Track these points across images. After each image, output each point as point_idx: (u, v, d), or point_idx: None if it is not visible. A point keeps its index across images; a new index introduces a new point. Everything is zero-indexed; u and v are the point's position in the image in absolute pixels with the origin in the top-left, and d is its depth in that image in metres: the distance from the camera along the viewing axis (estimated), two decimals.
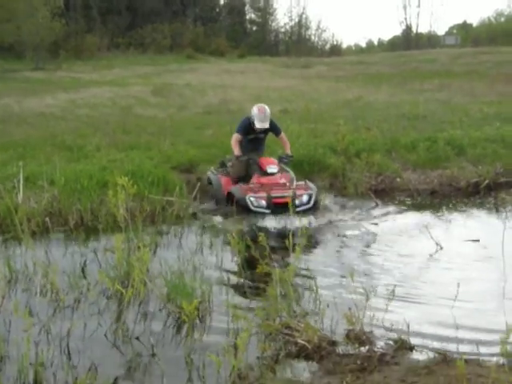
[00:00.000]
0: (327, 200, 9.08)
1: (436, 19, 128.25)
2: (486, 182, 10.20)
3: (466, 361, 3.61)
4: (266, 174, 8.33)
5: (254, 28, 62.99)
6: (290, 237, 5.21)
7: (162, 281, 5.36)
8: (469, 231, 7.86)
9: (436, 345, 4.31)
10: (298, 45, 58.56)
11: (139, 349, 4.44)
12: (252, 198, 7.88)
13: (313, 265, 6.30)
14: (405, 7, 67.12)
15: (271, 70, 36.50)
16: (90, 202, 8.17)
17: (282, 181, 8.28)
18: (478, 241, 7.32)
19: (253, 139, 8.81)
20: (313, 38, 64.17)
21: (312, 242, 7.11)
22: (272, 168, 8.38)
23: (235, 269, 6.17)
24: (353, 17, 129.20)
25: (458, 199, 9.89)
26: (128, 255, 5.56)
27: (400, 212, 9.08)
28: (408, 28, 66.20)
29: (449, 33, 67.41)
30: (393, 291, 4.69)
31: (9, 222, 7.19)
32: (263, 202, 7.87)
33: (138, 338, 4.61)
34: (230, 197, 8.31)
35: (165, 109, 18.63)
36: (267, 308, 4.74)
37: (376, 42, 79.19)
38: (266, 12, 61.76)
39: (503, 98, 19.73)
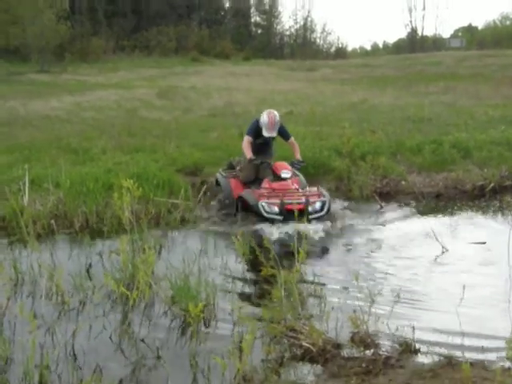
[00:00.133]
0: (336, 204, 9.02)
1: (441, 22, 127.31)
2: (492, 185, 10.18)
3: (472, 364, 3.61)
4: (278, 178, 8.24)
5: (259, 31, 63.03)
6: (296, 241, 5.21)
7: (167, 283, 5.37)
8: (474, 234, 7.84)
9: (441, 348, 4.30)
10: (303, 48, 58.56)
11: (144, 351, 4.45)
12: (264, 204, 7.75)
13: (318, 268, 6.31)
14: (410, 10, 66.81)
15: (276, 72, 36.51)
16: (96, 204, 8.18)
17: (294, 186, 8.20)
18: (485, 243, 7.31)
19: (262, 143, 8.71)
20: (318, 40, 64.18)
21: (317, 245, 7.10)
22: (286, 173, 8.27)
23: (240, 271, 6.18)
24: (358, 20, 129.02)
25: (463, 202, 9.86)
26: (133, 258, 5.57)
27: (405, 215, 9.06)
28: (413, 31, 66.15)
29: (454, 36, 67.32)
30: (398, 294, 4.69)
31: (14, 224, 7.20)
32: (276, 209, 7.72)
33: (143, 340, 4.61)
34: (240, 200, 8.24)
35: (170, 111, 18.66)
36: (272, 310, 4.74)
37: (381, 45, 79.20)
38: (271, 15, 61.79)
39: (508, 100, 19.68)
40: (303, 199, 7.80)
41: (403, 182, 10.47)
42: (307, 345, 4.30)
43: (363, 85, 27.45)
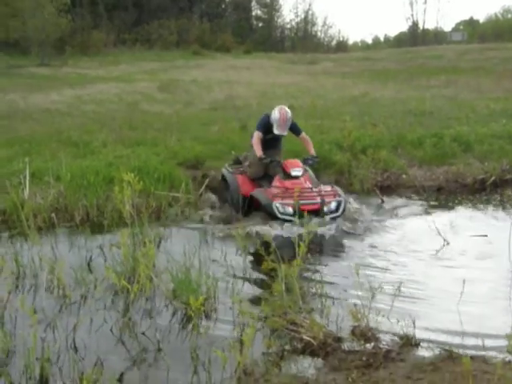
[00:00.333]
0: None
1: (442, 15, 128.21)
2: (493, 178, 10.17)
3: (472, 357, 3.62)
4: (289, 176, 7.95)
5: (260, 24, 62.92)
6: (296, 236, 5.21)
7: (168, 276, 5.37)
8: (475, 227, 7.84)
9: (442, 341, 4.30)
10: (304, 41, 58.48)
11: (145, 344, 4.46)
12: (279, 205, 7.43)
13: (318, 262, 6.32)
14: (411, 3, 66.91)
15: (277, 66, 36.44)
16: (96, 197, 8.18)
17: (307, 185, 7.90)
18: (486, 236, 7.32)
19: (271, 138, 8.45)
20: (319, 34, 64.14)
21: (317, 239, 7.08)
22: (296, 171, 7.98)
23: (241, 265, 6.18)
24: (359, 13, 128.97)
25: (463, 196, 9.87)
26: (134, 251, 5.57)
27: (406, 208, 9.05)
28: (414, 24, 66.07)
29: (455, 29, 67.22)
30: (399, 288, 4.69)
31: (15, 217, 7.20)
32: (290, 210, 7.35)
33: (144, 334, 4.62)
34: (252, 200, 7.97)
35: (171, 105, 18.63)
36: (273, 304, 4.75)
37: (382, 39, 79.19)
38: (271, 8, 61.67)
39: (510, 94, 19.63)
40: (318, 199, 7.55)
41: (404, 176, 10.46)
42: (308, 338, 4.30)
43: (364, 78, 27.40)
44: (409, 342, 4.29)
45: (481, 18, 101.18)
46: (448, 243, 6.98)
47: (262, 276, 5.87)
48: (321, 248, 6.83)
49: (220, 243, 7.02)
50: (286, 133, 8.36)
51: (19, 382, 3.88)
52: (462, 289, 4.95)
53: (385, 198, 9.41)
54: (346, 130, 10.95)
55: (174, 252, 6.23)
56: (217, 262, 6.27)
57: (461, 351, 3.97)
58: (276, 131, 8.26)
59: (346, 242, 7.20)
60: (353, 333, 4.47)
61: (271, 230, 7.20)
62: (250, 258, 6.49)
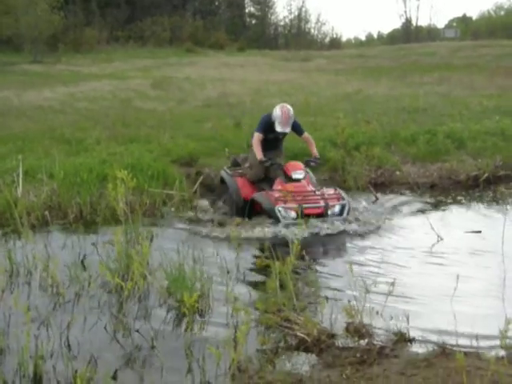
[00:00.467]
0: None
1: (436, 12, 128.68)
2: (486, 175, 10.22)
3: (466, 353, 3.63)
4: (291, 179, 7.80)
5: (254, 21, 62.88)
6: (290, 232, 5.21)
7: (162, 274, 5.37)
8: (469, 224, 7.88)
9: (435, 337, 4.31)
10: (298, 38, 58.46)
11: (139, 341, 4.45)
12: (281, 209, 7.29)
13: (312, 259, 6.32)
14: (404, 0, 66.91)
15: (270, 63, 36.43)
16: (90, 195, 8.16)
17: (310, 188, 7.81)
18: (480, 232, 7.35)
19: (272, 139, 8.26)
20: (312, 31, 64.16)
21: (311, 236, 7.09)
22: (298, 174, 7.83)
23: (235, 262, 6.18)
24: (352, 10, 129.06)
25: (457, 192, 9.90)
26: (127, 248, 5.56)
27: (400, 205, 9.07)
28: (408, 21, 66.17)
29: (448, 26, 67.33)
30: (393, 284, 4.69)
31: (8, 215, 7.17)
32: (293, 214, 7.23)
33: (138, 331, 4.61)
34: (253, 203, 7.79)
35: (164, 102, 18.60)
36: (267, 301, 4.75)
37: (375, 35, 79.27)
38: (265, 5, 61.65)
39: (503, 91, 19.69)
40: (322, 203, 7.45)
41: (398, 173, 10.50)
42: (302, 335, 4.31)
43: (358, 75, 27.41)
44: (403, 339, 4.30)
45: (474, 14, 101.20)
46: (442, 239, 7.00)
47: (256, 273, 5.87)
48: (315, 245, 6.82)
49: (214, 241, 7.02)
50: (288, 130, 8.14)
51: (13, 380, 3.87)
52: (456, 285, 4.97)
53: (378, 195, 9.43)
54: (339, 126, 10.94)
55: (167, 250, 6.24)
56: (211, 260, 6.26)
57: (454, 347, 3.97)
58: (278, 128, 8.02)
59: (340, 238, 7.20)
60: (347, 329, 4.48)
61: (272, 233, 7.14)
62: (244, 255, 6.49)
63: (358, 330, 4.42)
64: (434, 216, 8.27)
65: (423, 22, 79.04)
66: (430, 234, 7.11)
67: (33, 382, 3.85)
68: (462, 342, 4.08)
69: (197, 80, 24.98)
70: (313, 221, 7.20)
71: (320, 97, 19.39)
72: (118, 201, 5.72)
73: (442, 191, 10.00)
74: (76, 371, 3.77)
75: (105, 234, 6.99)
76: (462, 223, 8.08)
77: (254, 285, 5.60)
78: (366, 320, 4.54)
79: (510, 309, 4.77)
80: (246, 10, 63.14)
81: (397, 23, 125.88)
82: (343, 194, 7.82)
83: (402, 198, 9.54)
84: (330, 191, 7.82)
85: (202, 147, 11.04)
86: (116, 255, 5.57)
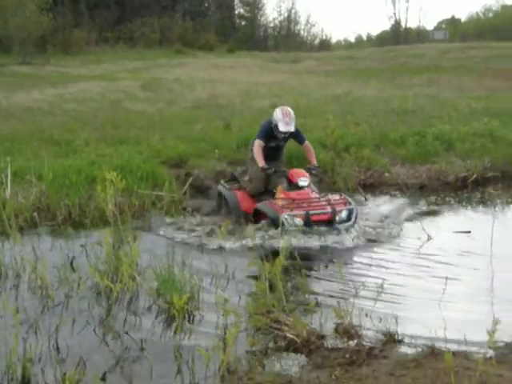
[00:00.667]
0: None
1: (425, 14, 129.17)
2: (474, 176, 10.28)
3: (454, 354, 3.64)
4: (295, 187, 7.57)
5: (243, 23, 62.82)
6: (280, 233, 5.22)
7: (152, 275, 5.36)
8: (458, 225, 7.93)
9: (424, 338, 4.33)
10: (287, 40, 58.46)
11: (128, 344, 4.44)
12: (287, 217, 7.05)
13: (302, 259, 6.32)
14: (394, 2, 66.87)
15: (260, 64, 36.42)
16: (79, 197, 8.14)
17: (314, 195, 7.63)
18: (470, 232, 7.40)
19: (273, 148, 7.99)
20: (302, 32, 64.12)
21: (301, 236, 7.08)
22: (303, 181, 7.59)
23: (224, 263, 6.17)
24: (342, 12, 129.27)
25: (446, 193, 9.95)
26: (117, 250, 5.55)
27: (390, 206, 9.11)
28: (397, 23, 66.32)
29: (437, 28, 67.52)
30: (382, 285, 4.71)
31: None
32: (300, 221, 7.07)
33: (127, 333, 4.60)
34: (256, 214, 7.60)
35: (154, 103, 18.56)
36: (256, 303, 4.75)
37: (365, 37, 79.37)
38: (254, 7, 61.58)
39: (491, 93, 19.79)
40: (328, 209, 7.28)
41: (387, 174, 10.53)
42: (291, 336, 4.31)
43: (347, 77, 27.46)
44: (392, 339, 4.31)
45: (462, 16, 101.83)
46: (432, 239, 7.04)
47: (245, 275, 5.87)
48: (304, 246, 6.81)
49: (203, 242, 7.03)
50: (293, 128, 7.80)
51: (1, 382, 3.85)
52: (445, 287, 5.00)
53: (368, 196, 9.45)
54: (328, 128, 10.96)
55: (157, 251, 6.23)
56: (200, 261, 6.26)
57: (443, 348, 3.99)
58: (283, 129, 7.70)
59: (329, 239, 7.17)
60: (336, 330, 4.49)
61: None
62: (234, 256, 6.49)
63: (347, 331, 4.43)
64: (423, 217, 8.31)
65: (412, 24, 79.54)
66: (419, 235, 7.15)
67: None
68: (451, 342, 4.09)
69: (186, 81, 24.94)
70: (321, 229, 7.07)
71: (309, 98, 19.40)
72: (107, 202, 5.70)
73: (431, 192, 10.04)
74: (65, 374, 3.76)
75: (94, 235, 6.95)
76: (451, 224, 8.13)
77: (244, 286, 5.59)
78: (355, 321, 4.54)
79: (498, 309, 4.80)
80: (236, 12, 63.09)
81: (386, 25, 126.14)
82: (349, 199, 7.65)
83: (392, 199, 9.58)
84: (336, 197, 7.67)
85: (191, 148, 11.02)
86: (105, 257, 5.55)
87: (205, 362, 3.85)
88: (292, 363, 4.11)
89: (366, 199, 9.31)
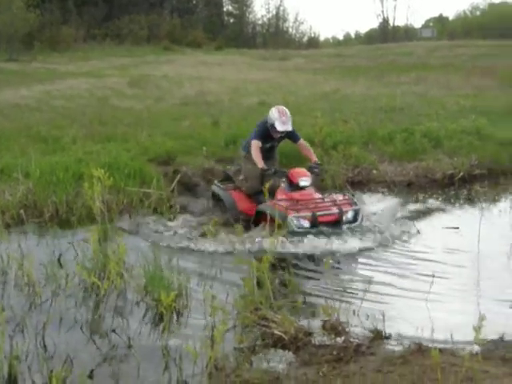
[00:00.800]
0: None
1: (412, 12, 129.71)
2: (461, 174, 10.34)
3: (441, 350, 3.66)
4: (296, 187, 7.36)
5: (232, 20, 62.77)
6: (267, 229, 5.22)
7: (140, 272, 5.35)
8: (446, 222, 7.99)
9: (411, 335, 4.35)
10: (276, 37, 58.46)
11: (116, 341, 4.43)
12: (293, 219, 6.90)
13: (289, 256, 6.33)
14: (382, 0, 67.20)
15: (249, 62, 36.38)
16: (66, 194, 8.10)
17: (317, 195, 7.47)
18: (458, 228, 7.47)
19: (268, 148, 7.81)
20: (290, 30, 64.12)
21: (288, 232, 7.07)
22: (305, 181, 7.38)
23: (212, 260, 6.18)
24: (330, 9, 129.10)
25: (433, 191, 10.01)
26: (104, 248, 5.53)
27: (378, 202, 9.14)
28: (385, 21, 66.51)
29: (425, 26, 67.79)
30: (369, 282, 4.73)
31: None
32: (306, 223, 6.94)
33: (114, 331, 4.59)
34: (257, 215, 7.38)
35: (142, 100, 18.51)
36: (244, 300, 4.76)
37: (353, 35, 79.49)
38: (243, 4, 61.52)
39: (479, 91, 19.90)
40: (335, 209, 7.13)
41: (375, 171, 10.56)
42: (279, 333, 4.32)
43: (335, 74, 27.50)
44: (379, 336, 4.33)
45: (450, 15, 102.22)
46: (420, 233, 7.09)
47: (233, 272, 5.87)
48: (291, 242, 6.80)
49: (192, 239, 7.02)
50: (290, 127, 7.63)
51: None
52: (432, 284, 5.01)
53: (355, 194, 9.46)
54: (317, 126, 10.98)
55: (145, 248, 6.22)
56: (188, 258, 6.26)
57: (430, 344, 4.01)
58: (280, 128, 7.51)
59: (316, 234, 7.15)
60: (323, 327, 4.50)
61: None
62: (222, 254, 6.49)
63: (334, 328, 4.44)
64: (411, 214, 8.36)
65: (400, 22, 79.77)
66: (407, 229, 7.20)
67: (7, 382, 3.82)
68: (438, 339, 4.11)
69: (174, 78, 24.87)
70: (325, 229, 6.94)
71: (298, 96, 19.41)
72: (95, 200, 5.69)
73: (419, 189, 10.09)
74: (51, 371, 3.74)
75: (81, 232, 6.93)
76: (439, 221, 8.17)
77: (232, 284, 5.59)
78: (342, 318, 4.56)
79: (484, 306, 4.83)
80: (224, 9, 62.99)
81: (374, 23, 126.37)
82: (354, 199, 7.56)
83: (380, 196, 9.62)
84: (340, 197, 7.55)
85: (179, 146, 10.99)
86: (92, 254, 5.53)
87: (192, 359, 3.85)
88: (279, 360, 4.12)
89: (353, 196, 9.31)
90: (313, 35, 65.07)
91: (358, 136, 11.88)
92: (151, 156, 10.26)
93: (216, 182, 8.55)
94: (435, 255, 6.53)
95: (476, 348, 3.86)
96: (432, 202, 9.43)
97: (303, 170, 7.54)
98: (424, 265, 6.17)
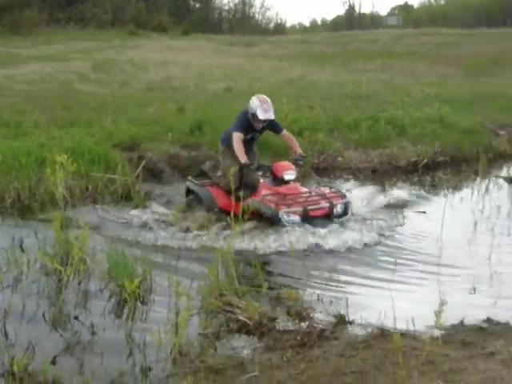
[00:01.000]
0: None
1: (378, 0, 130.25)
2: (425, 161, 10.49)
3: (402, 334, 3.71)
4: (281, 181, 7.12)
5: (198, 5, 62.24)
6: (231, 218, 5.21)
7: (103, 259, 5.30)
8: (411, 206, 8.13)
9: (374, 320, 4.39)
10: (242, 23, 58.23)
11: (79, 328, 4.39)
12: (284, 214, 6.72)
13: (256, 242, 6.34)
14: None
15: (215, 47, 36.20)
16: (28, 179, 7.98)
17: (303, 189, 7.27)
18: (425, 212, 7.61)
19: (248, 140, 7.41)
20: (257, 16, 63.89)
21: (257, 220, 7.04)
22: (289, 174, 7.14)
23: (177, 247, 6.16)
24: None
25: (397, 177, 10.13)
26: (67, 234, 5.46)
27: (344, 188, 9.20)
28: (351, 8, 66.80)
29: (391, 13, 68.21)
30: (333, 267, 4.77)
31: None
32: (297, 218, 6.76)
33: (77, 318, 4.55)
34: (244, 212, 6.87)
35: (106, 85, 18.29)
36: (209, 286, 4.75)
37: (319, 22, 79.66)
38: None
39: (443, 79, 20.15)
40: (325, 203, 6.99)
41: (340, 158, 10.63)
42: (244, 319, 4.33)
43: (301, 61, 27.56)
44: (342, 321, 4.37)
45: (415, 3, 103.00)
46: (387, 221, 7.18)
47: (198, 258, 5.85)
48: (257, 228, 6.80)
49: (155, 225, 6.99)
50: (273, 116, 7.30)
51: None
52: (395, 269, 5.08)
53: (320, 180, 9.52)
54: (282, 112, 10.98)
55: (110, 234, 6.17)
56: (153, 244, 6.23)
57: (392, 329, 4.06)
58: (262, 116, 7.15)
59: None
60: (288, 313, 4.53)
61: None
62: (187, 239, 6.47)
63: (298, 313, 4.47)
64: (381, 198, 8.47)
65: (366, 10, 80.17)
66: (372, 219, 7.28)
67: None
68: (400, 324, 4.17)
69: (140, 63, 24.63)
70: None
71: (264, 82, 19.40)
72: (57, 185, 5.61)
73: (383, 176, 10.20)
74: (13, 358, 3.69)
75: (44, 219, 6.84)
76: (405, 205, 8.27)
77: (196, 270, 5.58)
78: (306, 304, 4.59)
79: (445, 291, 4.92)
80: None
81: (340, 10, 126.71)
82: (342, 192, 7.46)
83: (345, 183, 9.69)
84: (327, 190, 7.40)
85: (144, 131, 10.89)
86: (55, 241, 5.46)
87: (156, 345, 3.84)
88: (244, 345, 4.13)
89: (319, 183, 9.36)
90: (279, 21, 65.13)
91: (323, 122, 11.94)
92: (116, 141, 10.16)
93: (190, 177, 8.17)
94: (400, 242, 6.60)
95: (437, 332, 3.92)
96: (397, 188, 9.51)
97: (288, 164, 7.30)
98: (389, 251, 6.24)
